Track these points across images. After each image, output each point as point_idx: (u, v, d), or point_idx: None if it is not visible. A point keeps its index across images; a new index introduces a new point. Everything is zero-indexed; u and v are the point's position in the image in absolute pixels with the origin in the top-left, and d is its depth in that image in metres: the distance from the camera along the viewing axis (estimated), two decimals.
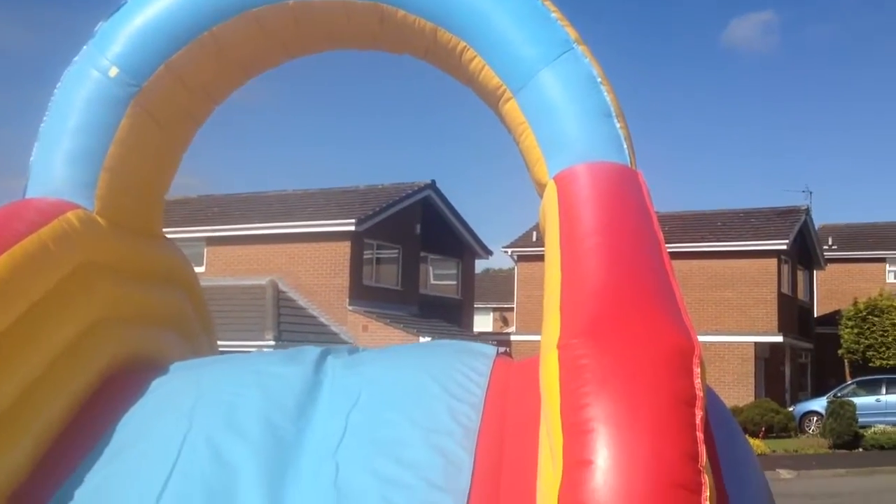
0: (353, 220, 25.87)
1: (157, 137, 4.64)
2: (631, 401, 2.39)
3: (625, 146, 4.19)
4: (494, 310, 53.39)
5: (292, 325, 24.41)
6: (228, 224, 28.03)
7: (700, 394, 2.45)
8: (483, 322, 47.88)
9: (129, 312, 4.55)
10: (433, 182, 29.93)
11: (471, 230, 32.34)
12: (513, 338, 34.41)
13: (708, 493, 2.32)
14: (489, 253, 34.44)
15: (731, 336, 32.78)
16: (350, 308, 25.96)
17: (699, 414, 2.41)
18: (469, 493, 3.20)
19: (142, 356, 4.51)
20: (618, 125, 4.20)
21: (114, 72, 4.43)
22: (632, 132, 4.36)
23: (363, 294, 26.42)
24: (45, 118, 4.51)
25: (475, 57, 4.36)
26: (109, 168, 4.44)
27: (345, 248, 26.17)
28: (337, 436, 3.54)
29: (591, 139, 4.17)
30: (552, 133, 4.22)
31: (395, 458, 3.34)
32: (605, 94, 4.23)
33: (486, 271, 54.21)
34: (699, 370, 2.49)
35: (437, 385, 3.80)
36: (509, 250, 36.63)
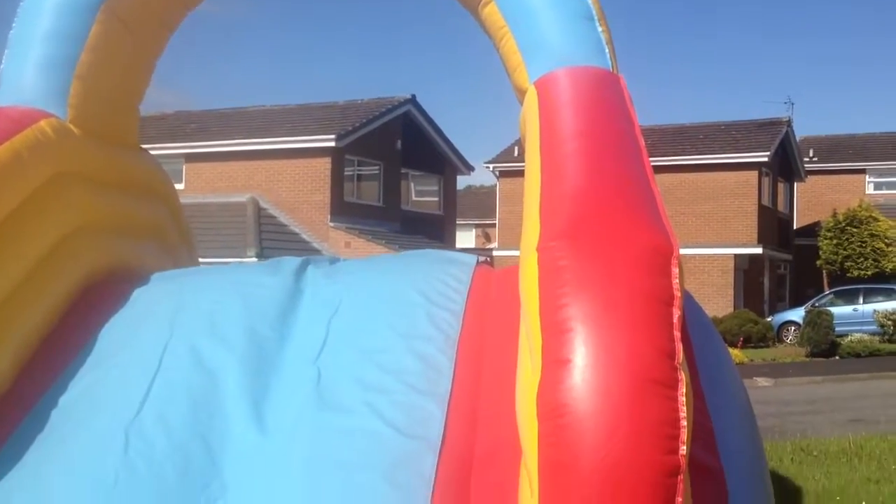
0: (332, 136, 25.63)
1: (128, 44, 4.54)
2: (609, 300, 2.40)
3: (606, 50, 4.12)
4: (477, 226, 53.46)
5: (274, 241, 24.36)
6: (207, 140, 27.71)
7: (678, 293, 2.46)
8: (465, 238, 47.95)
9: (107, 223, 4.51)
10: (413, 97, 29.60)
11: (452, 146, 32.14)
12: (495, 253, 34.48)
13: (684, 389, 2.34)
14: (471, 169, 34.29)
15: (711, 248, 33.02)
16: (332, 224, 25.89)
17: (676, 313, 2.43)
18: (450, 397, 3.23)
19: (122, 267, 4.49)
20: (599, 29, 4.13)
21: None
22: (613, 37, 4.30)
23: (345, 210, 26.33)
24: (14, 24, 4.39)
25: None
26: (81, 76, 4.35)
27: (325, 164, 25.98)
28: (318, 343, 3.56)
29: (573, 43, 4.10)
30: (532, 37, 4.15)
31: (377, 364, 3.37)
32: None
33: (469, 188, 54.12)
34: (677, 270, 2.49)
35: (417, 293, 3.81)
36: (491, 166, 36.46)
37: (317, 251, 25.22)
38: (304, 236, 25.94)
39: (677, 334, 2.39)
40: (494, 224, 38.36)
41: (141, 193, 4.89)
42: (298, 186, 26.38)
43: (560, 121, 3.38)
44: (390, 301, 3.80)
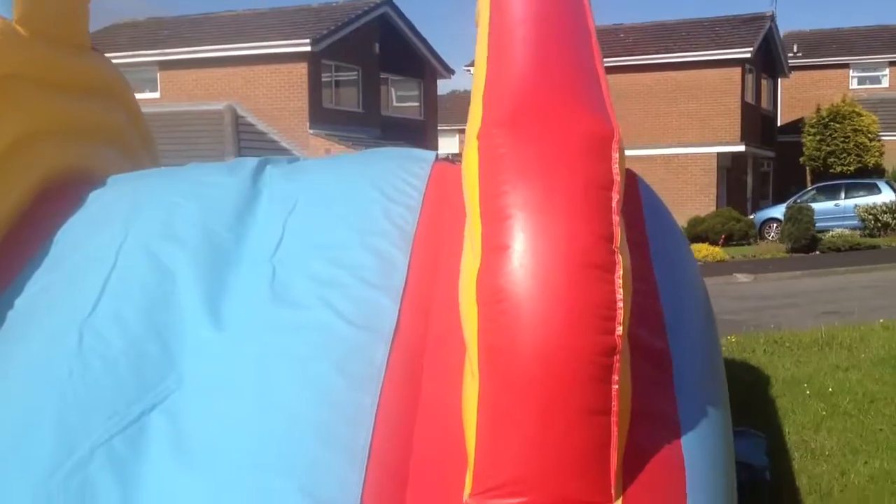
0: (308, 40, 25.17)
1: None
2: (546, 186, 2.39)
3: None
4: (460, 131, 53.04)
5: (253, 150, 24.13)
6: (180, 47, 27.19)
7: (617, 178, 2.45)
8: (449, 144, 47.61)
9: (61, 126, 4.46)
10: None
11: (432, 49, 31.65)
12: None
13: (621, 272, 2.36)
14: (451, 72, 33.86)
15: (694, 148, 32.95)
16: (311, 132, 25.63)
17: (615, 197, 2.42)
18: (403, 291, 3.26)
19: (78, 170, 4.45)
20: None
21: None
22: None
23: (324, 117, 26.03)
24: None
25: None
26: None
27: (302, 69, 25.56)
28: (274, 241, 3.56)
29: None
30: None
31: (331, 260, 3.38)
32: None
33: (453, 92, 53.39)
34: (618, 155, 2.48)
35: (374, 189, 3.81)
36: (471, 69, 35.98)
37: (297, 159, 25.06)
38: (284, 144, 25.70)
39: (616, 218, 2.40)
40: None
41: (96, 96, 4.81)
42: (276, 94, 26.04)
43: (510, 6, 3.32)
44: (346, 198, 3.80)
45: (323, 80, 26.66)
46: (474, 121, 2.68)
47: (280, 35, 26.38)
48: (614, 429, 2.35)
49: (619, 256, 2.36)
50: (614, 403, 2.34)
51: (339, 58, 27.06)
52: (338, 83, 27.85)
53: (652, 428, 2.65)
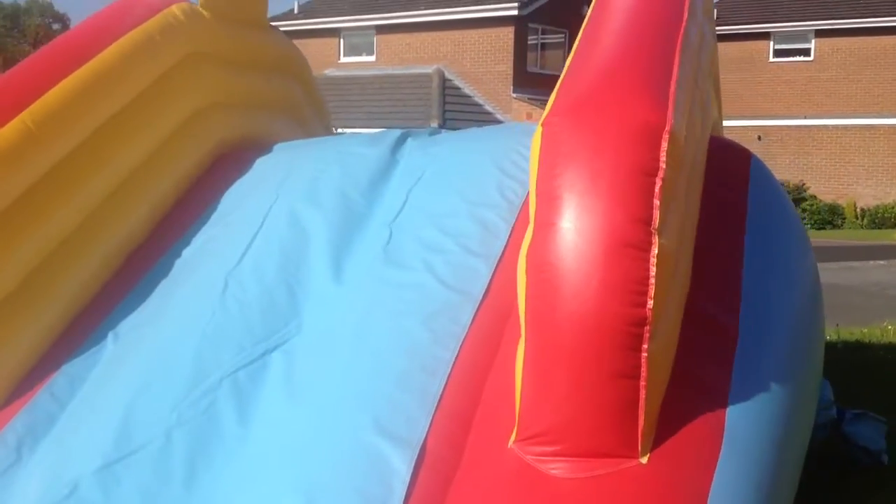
0: (515, 4, 25.50)
1: None
2: (593, 171, 2.67)
3: None
4: None
5: (457, 112, 24.84)
6: (396, 11, 28.20)
7: (663, 165, 2.69)
8: None
9: (238, 98, 5.06)
10: None
11: None
12: None
13: (656, 251, 2.62)
14: None
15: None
16: (514, 95, 26.02)
17: (658, 183, 2.67)
18: (500, 259, 3.60)
19: (251, 138, 5.03)
20: None
21: None
22: None
23: (527, 81, 26.33)
24: None
25: None
26: None
27: (508, 33, 25.93)
28: (397, 207, 4.00)
29: None
30: None
31: (440, 227, 3.77)
32: None
33: None
34: (666, 144, 2.71)
35: (492, 163, 4.16)
36: None
37: (499, 122, 25.55)
38: (487, 107, 26.25)
39: (657, 202, 2.65)
40: None
41: (271, 70, 5.39)
42: (482, 57, 26.54)
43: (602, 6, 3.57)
44: (466, 170, 4.17)
45: (529, 43, 26.92)
46: (547, 108, 2.98)
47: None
48: (642, 392, 2.63)
49: (656, 237, 2.62)
50: (643, 369, 2.62)
51: (546, 21, 27.21)
52: (543, 46, 28.02)
53: (696, 396, 2.89)
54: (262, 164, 4.65)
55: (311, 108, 5.85)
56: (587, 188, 2.66)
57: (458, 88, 26.57)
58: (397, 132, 4.72)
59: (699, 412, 2.85)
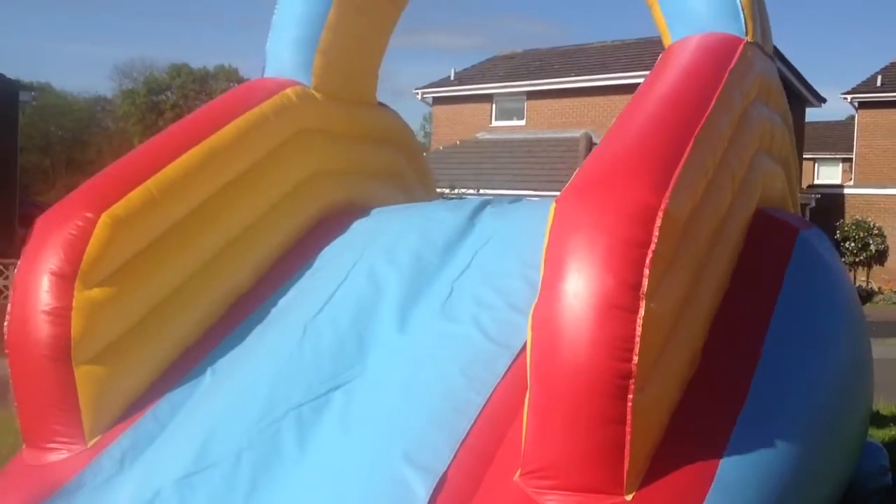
0: None
1: (361, 23, 5.63)
2: (593, 242, 3.09)
3: (741, 16, 4.55)
4: (844, 160, 50.17)
5: None
6: (547, 78, 28.90)
7: (655, 240, 3.08)
8: (831, 173, 45.09)
9: (344, 167, 5.69)
10: None
11: (801, 76, 30.66)
12: (849, 191, 32.57)
13: (643, 314, 3.00)
14: (822, 101, 32.54)
15: None
16: None
17: (650, 255, 3.06)
18: None
19: (355, 202, 5.64)
20: None
21: None
22: None
23: None
24: (275, 11, 5.63)
25: None
26: (322, 51, 5.50)
27: None
28: (462, 267, 4.49)
29: (709, 10, 4.59)
30: (673, 6, 4.68)
31: (493, 286, 4.24)
32: None
33: (824, 122, 50.62)
34: (660, 222, 3.10)
35: None
36: (848, 97, 34.24)
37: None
38: None
39: (646, 271, 3.04)
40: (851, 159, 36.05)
41: (377, 142, 6.02)
42: None
43: (649, 87, 3.99)
44: (529, 235, 4.59)
45: None
46: (565, 187, 3.41)
47: (639, 66, 27.14)
48: (628, 437, 3.00)
49: (643, 301, 3.00)
50: (628, 417, 2.99)
51: None
52: None
53: (691, 446, 3.23)
54: (357, 226, 5.24)
55: (415, 175, 6.44)
56: (586, 257, 3.08)
57: None
58: (480, 200, 5.22)
59: (691, 460, 3.19)
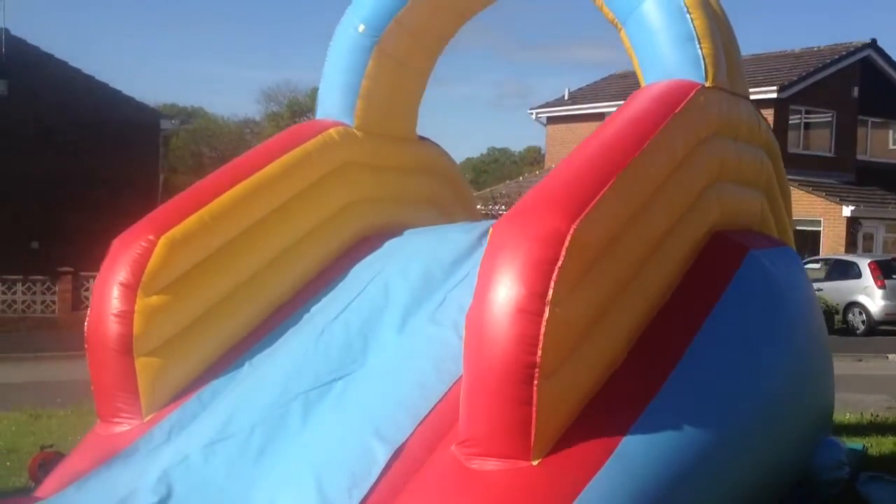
0: (774, 88, 25.74)
1: (396, 72, 6.54)
2: (513, 259, 3.87)
3: (702, 64, 5.22)
4: None
5: None
6: None
7: (562, 257, 3.84)
8: None
9: (383, 194, 6.59)
10: (874, 41, 28.25)
11: None
12: None
13: (547, 317, 3.76)
14: None
15: None
16: None
17: (557, 270, 3.82)
18: None
19: (392, 224, 6.50)
20: (698, 47, 5.22)
21: (361, 28, 6.37)
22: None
23: (787, 162, 26.08)
24: (325, 63, 6.60)
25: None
26: (363, 96, 6.44)
27: (767, 115, 26.07)
28: (460, 279, 5.31)
29: (676, 59, 5.27)
30: (646, 55, 5.38)
31: None
32: (691, 21, 5.24)
33: None
34: (568, 245, 3.86)
35: None
36: None
37: None
38: None
39: (552, 283, 3.80)
40: None
41: (416, 172, 6.90)
42: None
43: (598, 128, 4.74)
44: None
45: (790, 123, 26.91)
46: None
47: (752, 82, 27.20)
48: (534, 415, 3.77)
49: (549, 308, 3.77)
50: (534, 398, 3.76)
51: (810, 102, 27.13)
52: (807, 126, 27.84)
53: (599, 425, 3.97)
54: (388, 245, 6.13)
55: (454, 199, 7.28)
56: (506, 271, 3.88)
57: None
58: (490, 222, 6.03)
59: (595, 436, 3.93)
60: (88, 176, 21.53)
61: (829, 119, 28.02)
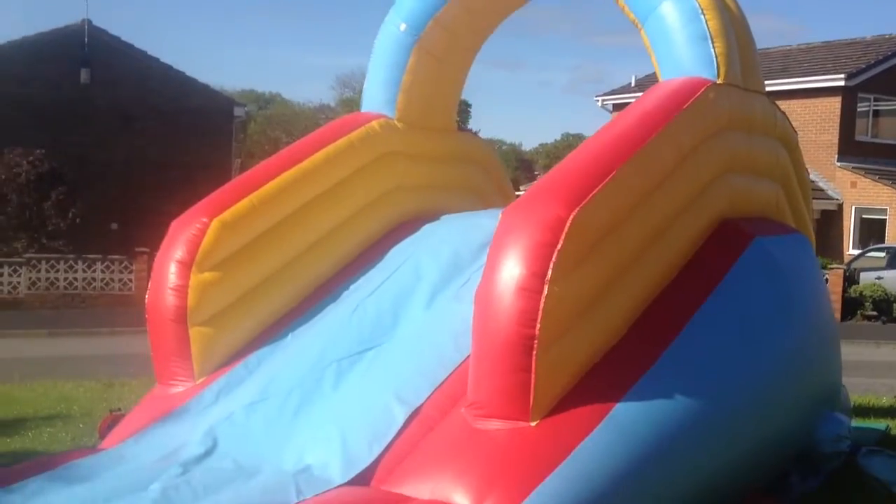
0: (842, 75, 25.46)
1: (435, 68, 6.99)
2: (517, 243, 4.31)
3: (715, 63, 5.56)
4: None
5: None
6: None
7: (562, 241, 4.26)
8: None
9: (423, 181, 7.06)
10: None
11: None
12: None
13: (546, 294, 4.19)
14: None
15: None
16: (839, 164, 25.83)
17: (556, 253, 4.24)
18: None
19: (431, 209, 6.95)
20: (711, 46, 5.57)
21: (403, 27, 6.84)
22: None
23: (855, 150, 25.99)
24: (370, 59, 7.08)
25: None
26: (404, 90, 6.92)
27: (834, 103, 25.90)
28: (483, 263, 5.75)
29: (690, 57, 5.62)
30: (664, 54, 5.74)
31: None
32: (705, 21, 5.59)
33: None
34: (568, 230, 4.28)
35: None
36: None
37: (822, 191, 25.61)
38: (811, 176, 26.27)
39: (551, 263, 4.23)
40: None
41: (454, 161, 7.37)
42: (807, 126, 26.65)
43: (612, 120, 5.13)
44: None
45: (858, 111, 26.60)
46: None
47: (819, 70, 26.97)
48: (532, 381, 4.21)
49: (547, 286, 4.20)
50: (533, 367, 4.20)
51: (879, 90, 26.76)
52: (876, 114, 27.47)
53: (594, 392, 4.39)
54: (425, 229, 6.59)
55: (493, 186, 7.73)
56: (510, 253, 4.32)
57: None
58: None
59: (590, 402, 4.36)
60: (165, 161, 22.43)
61: None
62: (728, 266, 5.23)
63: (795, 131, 6.74)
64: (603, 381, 4.47)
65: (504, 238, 4.39)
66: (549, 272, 4.24)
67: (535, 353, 4.21)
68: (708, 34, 5.59)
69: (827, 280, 19.37)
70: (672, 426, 4.48)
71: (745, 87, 5.81)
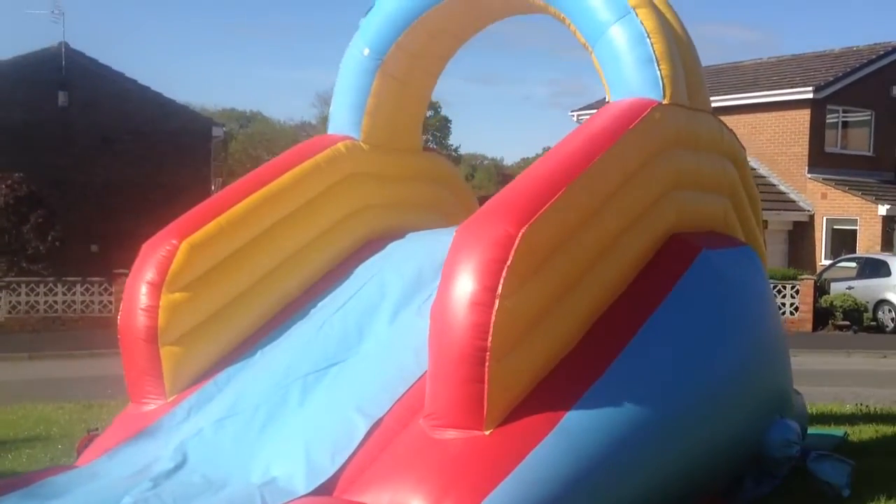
0: (810, 88, 25.90)
1: (399, 91, 7.23)
2: (469, 259, 4.53)
3: (660, 84, 5.81)
4: None
5: None
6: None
7: (512, 257, 4.48)
8: None
9: (387, 201, 7.27)
10: None
11: None
12: None
13: (497, 308, 4.41)
14: None
15: None
16: (809, 176, 26.23)
17: (506, 268, 4.47)
18: None
19: (398, 227, 7.17)
20: (657, 69, 5.82)
21: (366, 52, 7.07)
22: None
23: (824, 161, 26.43)
24: (336, 83, 7.32)
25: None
26: (369, 112, 7.15)
27: (804, 115, 26.33)
28: None
29: (637, 79, 5.87)
30: (613, 76, 5.99)
31: None
32: (651, 45, 5.84)
33: None
34: (517, 246, 4.50)
35: None
36: None
37: (792, 202, 26.00)
38: (782, 187, 26.72)
39: (501, 278, 4.45)
40: None
41: (419, 180, 7.59)
42: (777, 139, 27.11)
43: (559, 143, 5.37)
44: None
45: (827, 123, 27.05)
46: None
47: (788, 83, 27.41)
48: (485, 392, 4.43)
49: (499, 300, 4.42)
50: (486, 378, 4.42)
51: (848, 102, 27.23)
52: (845, 125, 27.94)
53: (545, 401, 4.61)
54: (390, 247, 6.81)
55: (456, 203, 7.94)
56: (463, 270, 4.54)
57: (753, 169, 27.18)
58: None
59: (541, 411, 4.58)
60: (144, 182, 22.55)
61: (868, 118, 28.05)
62: (676, 278, 5.46)
63: (743, 147, 7.00)
64: (554, 390, 4.69)
65: (457, 255, 4.62)
66: (500, 287, 4.47)
67: (487, 364, 4.43)
68: (654, 57, 5.84)
69: (798, 291, 19.78)
70: (622, 433, 4.70)
71: (691, 107, 6.07)
